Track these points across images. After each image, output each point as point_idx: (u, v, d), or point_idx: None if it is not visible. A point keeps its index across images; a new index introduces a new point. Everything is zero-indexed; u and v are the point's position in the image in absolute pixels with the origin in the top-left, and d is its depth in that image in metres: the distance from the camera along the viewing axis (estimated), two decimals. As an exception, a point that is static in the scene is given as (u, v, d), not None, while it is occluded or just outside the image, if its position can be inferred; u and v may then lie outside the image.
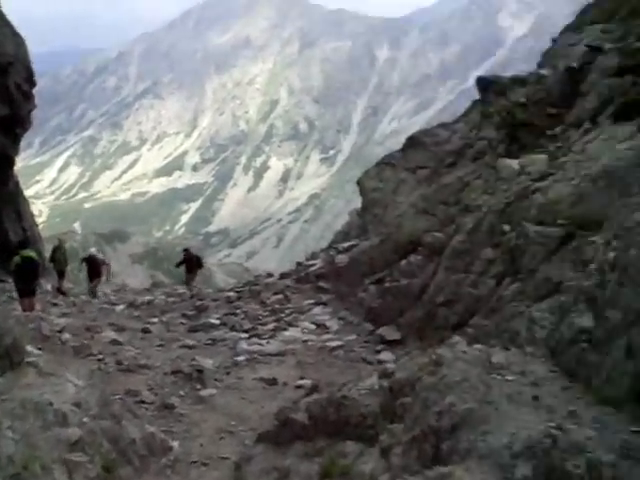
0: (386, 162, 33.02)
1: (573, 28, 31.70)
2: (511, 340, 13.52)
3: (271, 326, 23.72)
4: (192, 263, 37.27)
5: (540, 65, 31.04)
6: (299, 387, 17.12)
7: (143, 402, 16.14)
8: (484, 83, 31.70)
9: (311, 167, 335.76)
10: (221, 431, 14.96)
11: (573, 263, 14.38)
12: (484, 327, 16.52)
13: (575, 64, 24.38)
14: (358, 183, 33.64)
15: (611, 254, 11.43)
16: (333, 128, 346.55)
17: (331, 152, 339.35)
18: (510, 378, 9.45)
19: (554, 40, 33.37)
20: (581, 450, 6.92)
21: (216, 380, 18.21)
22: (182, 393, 17.05)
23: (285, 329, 23.26)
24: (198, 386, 17.55)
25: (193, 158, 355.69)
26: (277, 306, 26.55)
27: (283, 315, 25.10)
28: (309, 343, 21.56)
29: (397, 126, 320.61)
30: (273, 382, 18.02)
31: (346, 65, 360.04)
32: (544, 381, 9.70)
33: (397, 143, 40.73)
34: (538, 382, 9.56)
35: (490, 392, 8.61)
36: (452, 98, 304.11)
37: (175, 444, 13.54)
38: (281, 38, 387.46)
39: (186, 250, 39.11)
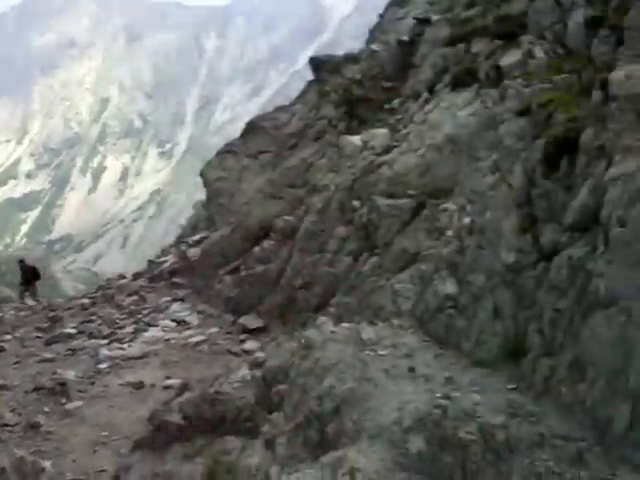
0: (227, 150, 32.65)
1: (398, 3, 32.17)
2: (376, 315, 13.57)
3: (130, 329, 23.12)
4: (29, 275, 36.10)
5: (370, 41, 31.35)
6: (168, 387, 16.71)
7: (6, 425, 15.37)
8: (317, 63, 31.77)
9: (149, 163, 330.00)
10: (94, 443, 14.44)
11: (428, 232, 14.58)
12: (347, 305, 16.56)
13: (405, 37, 24.75)
14: (201, 174, 33.14)
15: (467, 219, 11.62)
16: (168, 122, 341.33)
17: (168, 146, 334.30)
18: (383, 353, 9.45)
19: (381, 16, 33.79)
20: (471, 416, 6.97)
21: (81, 391, 17.58)
22: (47, 410, 16.35)
23: (145, 330, 22.72)
24: (63, 400, 16.88)
25: (27, 165, 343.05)
26: (134, 307, 25.92)
27: (141, 316, 24.52)
28: (171, 341, 21.14)
29: (232, 114, 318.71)
30: (140, 386, 17.55)
31: (175, 57, 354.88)
32: (417, 351, 9.76)
33: (234, 130, 40.46)
34: (411, 353, 9.61)
35: (367, 369, 8.58)
36: (284, 81, 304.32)
37: (47, 464, 12.92)
38: (106, 34, 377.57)
39: (21, 261, 37.85)
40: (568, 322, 8.26)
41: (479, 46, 18.43)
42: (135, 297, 27.26)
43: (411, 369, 8.72)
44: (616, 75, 8.99)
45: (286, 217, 22.90)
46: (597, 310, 7.70)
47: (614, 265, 7.61)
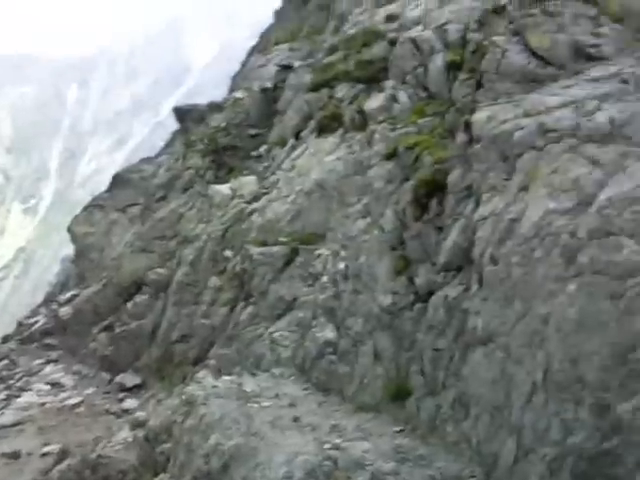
0: (94, 205, 32.11)
1: (260, 49, 32.47)
2: (256, 365, 13.46)
3: (2, 395, 22.11)
4: None
5: (233, 89, 31.45)
6: (46, 455, 15.97)
7: None
8: (181, 113, 31.66)
9: (13, 220, 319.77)
10: (-31, 523, 13.71)
11: (303, 278, 14.55)
12: (226, 356, 16.35)
13: (269, 84, 24.93)
14: (68, 230, 32.42)
15: (341, 264, 11.70)
16: (31, 176, 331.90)
17: (32, 201, 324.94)
18: (267, 404, 9.36)
19: (243, 64, 34.02)
20: (362, 465, 6.93)
21: (-47, 466, 16.69)
22: None
23: (18, 396, 21.78)
24: None
25: None
26: (5, 373, 24.87)
27: (13, 381, 23.53)
28: (47, 405, 20.32)
29: (97, 166, 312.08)
30: (16, 455, 16.71)
31: (36, 110, 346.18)
32: (300, 400, 9.71)
33: (100, 183, 39.87)
34: (294, 402, 9.55)
35: (252, 423, 8.46)
36: (148, 131, 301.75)
37: None
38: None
39: None
40: (448, 361, 8.36)
41: (343, 91, 18.65)
42: (6, 361, 26.20)
43: (296, 419, 8.66)
44: (478, 117, 9.26)
45: (158, 270, 22.56)
46: (476, 348, 7.83)
47: (489, 302, 7.76)
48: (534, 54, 10.39)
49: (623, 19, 11.07)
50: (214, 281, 19.07)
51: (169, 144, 33.74)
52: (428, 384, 8.58)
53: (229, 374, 11.61)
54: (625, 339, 6.44)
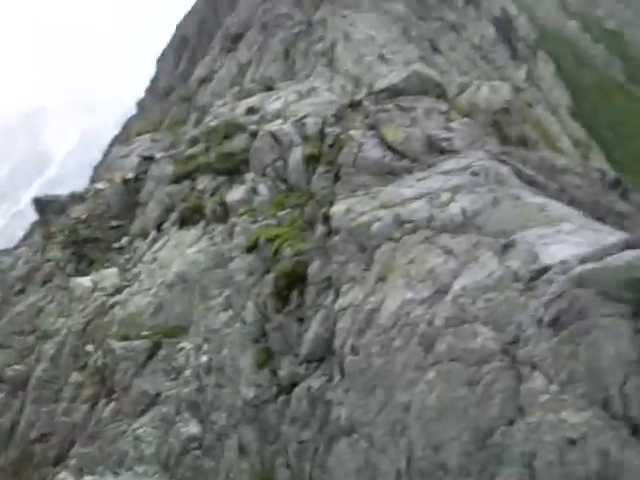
0: (-51, 299, 30.90)
1: (122, 140, 32.38)
2: (119, 463, 13.05)
3: None
4: None
5: (94, 179, 31.14)
6: None
7: None
8: (41, 204, 30.98)
9: None
10: None
11: (166, 372, 14.31)
12: (88, 455, 15.77)
13: (131, 175, 24.77)
14: None
15: (204, 358, 11.60)
16: None
17: None
18: (129, 505, 9.11)
19: (105, 153, 33.82)
20: None
21: None
22: None
23: None
24: None
25: None
26: None
27: None
28: None
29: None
30: None
31: None
32: (163, 500, 9.48)
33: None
34: (157, 502, 9.33)
35: (112, 527, 8.21)
36: (5, 222, 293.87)
37: None
38: None
39: None
40: (313, 452, 8.35)
41: (204, 183, 18.73)
42: None
43: (159, 520, 8.45)
44: (336, 209, 9.47)
45: (16, 366, 21.76)
46: (340, 438, 7.85)
47: (351, 393, 7.83)
48: (389, 147, 10.75)
49: (471, 114, 11.62)
50: (75, 377, 18.51)
51: (28, 235, 32.95)
52: (294, 477, 8.53)
53: (91, 474, 11.27)
54: (483, 424, 6.58)
